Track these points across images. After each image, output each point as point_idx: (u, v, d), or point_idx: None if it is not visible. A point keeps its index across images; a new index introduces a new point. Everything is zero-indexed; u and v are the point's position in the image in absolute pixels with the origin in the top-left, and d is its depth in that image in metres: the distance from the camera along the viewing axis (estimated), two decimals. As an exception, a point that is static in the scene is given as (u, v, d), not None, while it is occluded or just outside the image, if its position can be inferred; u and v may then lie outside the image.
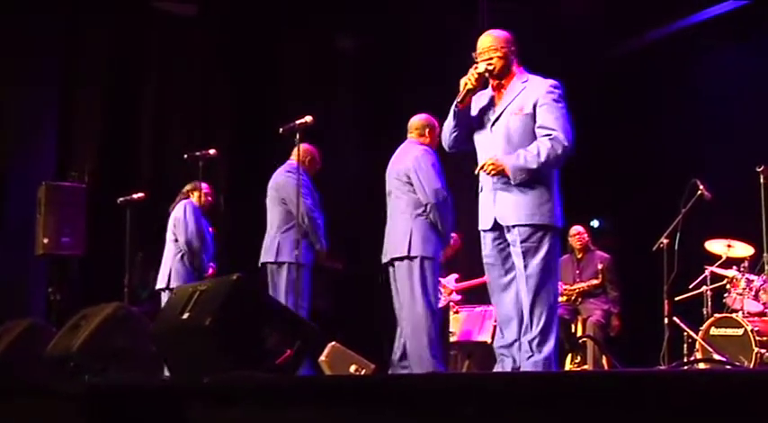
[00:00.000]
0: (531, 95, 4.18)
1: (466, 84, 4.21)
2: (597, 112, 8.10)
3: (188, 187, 7.01)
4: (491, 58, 4.23)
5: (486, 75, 4.24)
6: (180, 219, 6.84)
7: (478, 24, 7.55)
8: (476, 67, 4.23)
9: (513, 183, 4.09)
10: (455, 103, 4.28)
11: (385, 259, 5.39)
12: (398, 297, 5.34)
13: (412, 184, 5.28)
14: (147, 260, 7.95)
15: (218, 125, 9.13)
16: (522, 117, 4.17)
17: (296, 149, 5.89)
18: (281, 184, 6.19)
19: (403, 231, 5.24)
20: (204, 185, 6.95)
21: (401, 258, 5.25)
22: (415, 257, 5.20)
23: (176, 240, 6.84)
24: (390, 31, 8.92)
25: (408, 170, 5.29)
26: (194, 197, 6.94)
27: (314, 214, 6.05)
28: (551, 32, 8.09)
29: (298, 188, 5.80)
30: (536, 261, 4.09)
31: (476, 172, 4.20)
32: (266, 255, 6.17)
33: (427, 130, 5.45)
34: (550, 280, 4.14)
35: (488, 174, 4.12)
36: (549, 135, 4.10)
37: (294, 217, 5.98)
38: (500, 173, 4.09)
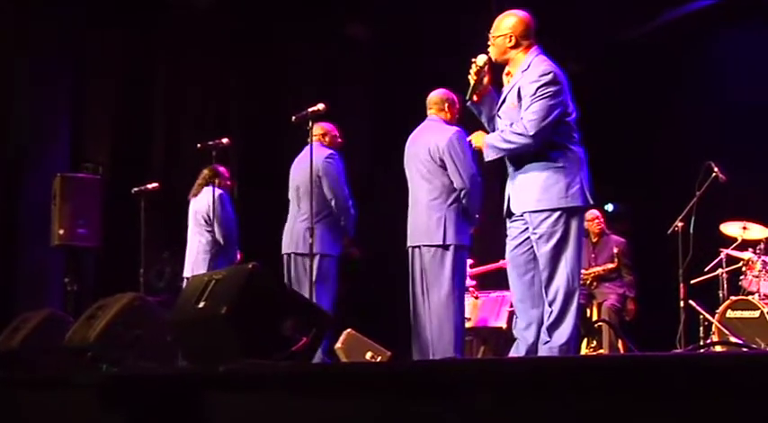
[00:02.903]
0: (523, 85, 4.15)
1: (471, 79, 4.24)
2: (611, 96, 8.07)
3: (207, 173, 6.81)
4: (491, 44, 4.26)
5: (494, 59, 4.26)
6: (218, 212, 6.63)
7: (491, 7, 7.52)
8: (474, 62, 4.24)
9: (486, 157, 4.23)
10: (466, 99, 4.34)
11: (412, 243, 5.23)
12: (420, 283, 5.21)
13: (445, 168, 5.14)
14: (163, 252, 7.97)
15: (230, 115, 9.14)
16: (513, 110, 4.17)
17: (315, 132, 5.79)
18: (323, 171, 5.83)
19: (437, 218, 5.10)
20: (222, 170, 6.87)
21: (434, 246, 5.11)
22: (450, 246, 5.08)
23: (209, 231, 6.65)
24: (402, 18, 8.89)
25: (442, 153, 5.13)
26: (216, 183, 6.75)
27: (349, 203, 5.91)
28: (565, 15, 8.04)
29: (310, 173, 5.68)
30: (550, 244, 4.06)
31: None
32: (297, 244, 5.90)
33: (446, 104, 5.33)
34: (569, 263, 4.07)
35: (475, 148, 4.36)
36: (523, 118, 4.09)
37: (330, 205, 5.84)
38: (479, 149, 4.29)
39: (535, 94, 4.09)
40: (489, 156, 4.19)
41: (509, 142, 4.11)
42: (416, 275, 5.25)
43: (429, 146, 5.21)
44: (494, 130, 4.36)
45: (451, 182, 5.14)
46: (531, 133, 4.05)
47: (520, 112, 4.13)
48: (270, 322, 3.55)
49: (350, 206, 5.93)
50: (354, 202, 6.01)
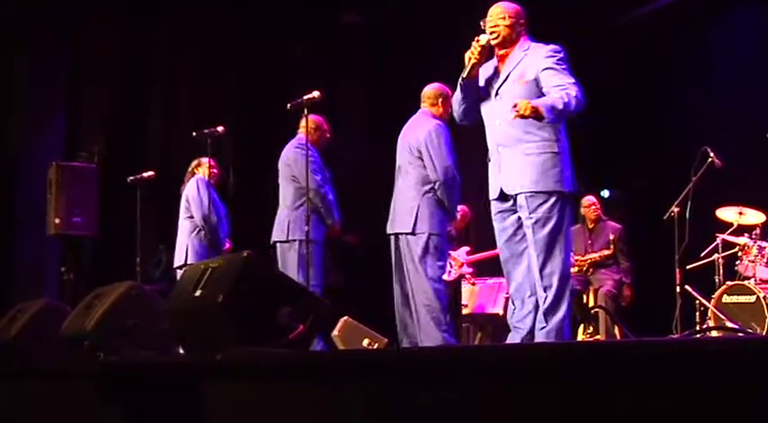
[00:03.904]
0: (533, 62, 4.17)
1: (470, 58, 4.21)
2: (607, 82, 8.05)
3: (193, 164, 7.00)
4: (497, 26, 4.23)
5: (494, 42, 4.23)
6: (193, 196, 6.81)
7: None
8: (477, 40, 4.21)
9: (547, 120, 3.95)
10: (461, 77, 4.27)
11: (390, 230, 5.38)
12: (401, 269, 5.33)
13: (422, 160, 5.25)
14: (159, 241, 7.96)
15: (225, 103, 9.12)
16: (524, 84, 4.15)
17: (303, 123, 5.89)
18: (291, 160, 6.10)
19: (410, 207, 5.24)
20: (207, 159, 6.93)
21: (407, 234, 5.25)
22: (422, 234, 5.20)
23: (191, 217, 6.82)
24: (398, 6, 8.87)
25: (420, 145, 5.25)
26: (200, 173, 6.93)
27: (323, 190, 6.01)
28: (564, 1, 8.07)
29: (306, 164, 5.79)
30: (546, 229, 4.07)
31: (512, 118, 3.98)
32: (277, 233, 6.14)
33: (440, 99, 5.40)
34: (561, 248, 4.09)
35: (524, 113, 3.89)
36: (563, 86, 4.03)
37: (304, 193, 5.93)
38: (535, 112, 3.89)
39: (557, 66, 4.12)
40: (551, 115, 3.94)
41: (565, 100, 3.95)
42: (397, 263, 5.36)
43: (411, 139, 5.32)
44: (471, 115, 4.35)
45: (428, 173, 5.23)
46: (581, 91, 4.03)
47: (532, 84, 4.13)
48: (266, 310, 3.55)
49: (325, 192, 6.00)
50: (333, 188, 6.07)
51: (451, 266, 7.08)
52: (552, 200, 4.09)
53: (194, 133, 6.65)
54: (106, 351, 4.30)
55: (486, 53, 4.26)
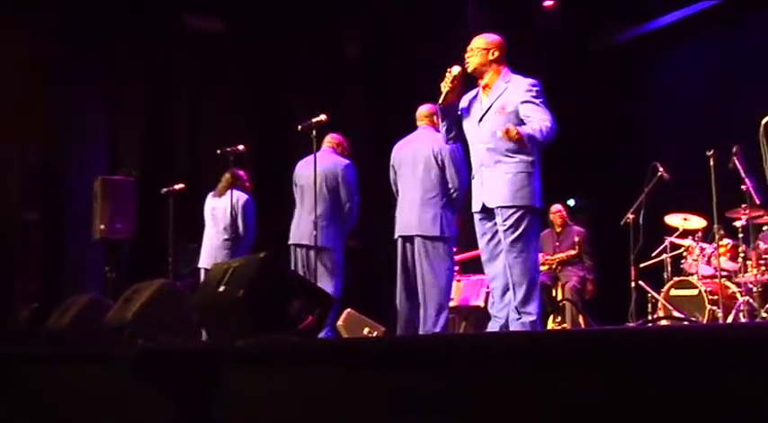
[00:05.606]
0: (513, 95, 4.15)
1: (444, 86, 4.21)
2: (573, 107, 8.07)
3: (229, 177, 6.61)
4: (470, 57, 4.24)
5: (469, 70, 4.22)
6: (244, 216, 6.52)
7: (467, 26, 7.54)
8: (449, 71, 4.19)
9: (524, 147, 4.02)
10: (438, 103, 4.28)
11: (404, 233, 5.14)
12: (411, 269, 5.13)
13: (443, 169, 5.07)
14: (189, 242, 7.94)
15: (243, 124, 9.11)
16: (505, 115, 4.14)
17: (329, 139, 5.82)
18: (341, 177, 5.73)
19: (433, 214, 5.04)
20: (242, 173, 6.77)
21: (431, 238, 5.04)
22: (446, 237, 5.04)
23: (225, 228, 6.54)
24: (389, 34, 8.89)
25: (444, 157, 5.06)
26: (238, 186, 6.62)
27: (356, 213, 5.84)
28: (537, 34, 8.10)
29: (347, 180, 5.72)
30: (517, 236, 4.09)
31: (500, 135, 4.01)
32: (305, 238, 5.80)
33: (435, 117, 5.29)
34: (531, 252, 4.14)
35: (512, 138, 3.96)
36: (542, 119, 4.06)
37: (342, 208, 5.76)
38: (519, 139, 3.95)
39: (535, 100, 4.11)
40: (528, 144, 4.01)
41: (542, 130, 3.99)
42: (408, 262, 5.17)
43: (432, 149, 5.12)
44: (455, 132, 4.36)
45: (446, 182, 5.09)
46: (554, 124, 4.04)
47: (512, 115, 4.10)
48: (280, 303, 3.54)
49: (357, 211, 5.87)
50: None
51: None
52: (523, 212, 4.12)
53: (218, 151, 6.60)
54: (144, 339, 4.30)
55: (460, 82, 4.23)
